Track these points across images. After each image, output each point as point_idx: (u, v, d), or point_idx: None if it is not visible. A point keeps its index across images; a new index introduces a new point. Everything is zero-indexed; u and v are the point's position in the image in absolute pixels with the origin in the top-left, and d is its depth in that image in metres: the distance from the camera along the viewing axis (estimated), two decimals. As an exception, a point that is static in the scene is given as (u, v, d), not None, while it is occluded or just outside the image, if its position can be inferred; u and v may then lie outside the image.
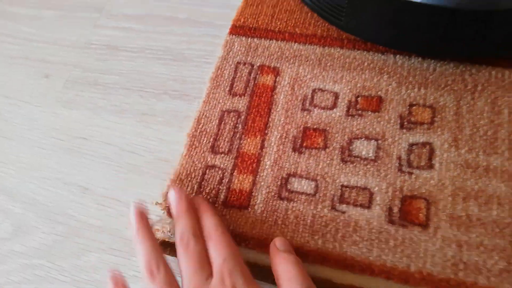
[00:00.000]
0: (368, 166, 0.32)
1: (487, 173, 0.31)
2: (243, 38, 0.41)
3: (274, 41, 0.40)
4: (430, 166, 0.32)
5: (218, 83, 0.38)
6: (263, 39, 0.40)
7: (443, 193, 0.30)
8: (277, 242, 0.28)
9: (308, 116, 0.35)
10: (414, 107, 0.34)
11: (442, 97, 0.34)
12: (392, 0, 0.31)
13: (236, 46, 0.40)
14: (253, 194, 0.32)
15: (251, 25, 0.41)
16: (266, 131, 0.35)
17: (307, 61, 0.38)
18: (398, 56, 0.37)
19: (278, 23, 0.41)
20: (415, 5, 0.31)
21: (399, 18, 0.33)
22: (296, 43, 0.39)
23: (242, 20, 0.42)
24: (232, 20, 0.42)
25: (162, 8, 0.45)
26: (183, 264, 0.27)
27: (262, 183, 0.33)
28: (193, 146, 0.35)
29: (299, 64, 0.38)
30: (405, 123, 0.34)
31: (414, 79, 0.36)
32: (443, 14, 0.31)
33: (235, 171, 0.34)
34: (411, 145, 0.33)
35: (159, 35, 0.43)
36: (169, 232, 0.31)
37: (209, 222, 0.29)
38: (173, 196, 0.30)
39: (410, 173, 0.31)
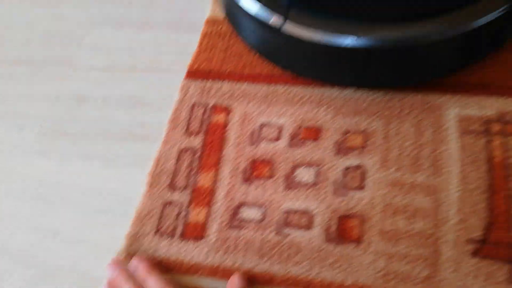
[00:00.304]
0: (309, 191, 0.36)
1: (413, 189, 0.34)
2: (198, 81, 0.45)
3: (226, 82, 0.44)
4: (363, 187, 0.35)
5: (175, 125, 0.42)
6: (215, 80, 0.44)
7: (374, 210, 0.34)
8: (235, 281, 0.31)
9: (256, 149, 0.39)
10: (348, 134, 0.38)
11: (373, 123, 0.38)
12: (317, 44, 0.35)
13: (191, 89, 0.44)
14: (207, 225, 0.36)
15: (204, 69, 0.45)
16: (219, 166, 0.39)
17: (254, 98, 0.42)
18: (334, 88, 0.41)
19: (229, 65, 0.45)
20: (338, 48, 0.35)
21: (327, 57, 0.37)
22: (245, 83, 0.44)
23: (196, 65, 0.46)
24: (188, 66, 0.46)
25: (124, 58, 0.49)
26: None
27: (216, 214, 0.36)
28: (153, 185, 0.39)
29: (248, 102, 0.42)
30: (341, 149, 0.37)
31: (348, 108, 0.40)
32: (362, 53, 0.35)
33: (191, 205, 0.37)
34: (346, 168, 0.36)
35: (121, 83, 0.47)
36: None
37: (155, 284, 0.31)
38: (110, 273, 0.33)
39: (346, 194, 0.35)
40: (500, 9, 0.33)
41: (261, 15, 0.37)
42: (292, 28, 0.36)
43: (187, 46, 0.48)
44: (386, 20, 0.33)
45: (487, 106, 0.37)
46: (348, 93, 0.40)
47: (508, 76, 0.38)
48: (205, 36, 0.48)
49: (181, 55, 0.48)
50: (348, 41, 0.34)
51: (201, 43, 0.48)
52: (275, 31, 0.36)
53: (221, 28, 0.48)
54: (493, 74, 0.38)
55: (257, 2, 0.36)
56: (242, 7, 0.38)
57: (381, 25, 0.34)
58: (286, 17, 0.35)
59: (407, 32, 0.34)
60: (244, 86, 0.43)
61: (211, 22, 0.49)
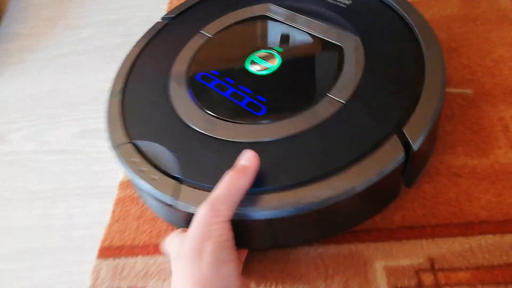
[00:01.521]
0: None
1: None
2: (110, 260, 0.40)
3: (140, 257, 0.40)
4: None
5: (85, 320, 0.37)
6: (129, 257, 0.40)
7: None
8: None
9: None
10: (273, 309, 0.34)
11: (297, 291, 0.34)
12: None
13: (103, 271, 0.40)
14: None
15: (117, 244, 0.41)
16: None
17: (170, 276, 0.38)
18: (255, 252, 0.37)
19: (143, 235, 0.41)
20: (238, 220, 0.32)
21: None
22: (160, 256, 0.40)
23: (109, 239, 0.42)
24: (100, 241, 0.42)
25: (35, 238, 0.45)
26: None
27: None
28: None
29: (164, 279, 0.38)
30: (267, 331, 0.33)
31: (271, 274, 0.36)
32: (263, 222, 0.32)
33: None
34: None
35: (30, 273, 0.43)
36: None
37: None
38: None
39: None
40: (399, 158, 0.31)
41: (157, 194, 0.34)
42: (184, 206, 0.33)
43: (99, 216, 0.45)
44: (281, 189, 0.31)
45: (414, 253, 0.34)
46: (269, 255, 0.37)
47: (430, 213, 0.36)
48: (118, 202, 0.45)
49: (93, 229, 0.44)
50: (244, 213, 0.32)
51: (114, 212, 0.44)
52: (170, 206, 0.34)
53: (134, 192, 0.45)
54: (414, 213, 0.36)
55: (151, 185, 0.34)
56: (143, 188, 0.35)
57: (276, 195, 0.31)
58: (177, 196, 0.33)
59: (300, 197, 0.31)
60: (160, 260, 0.39)
61: (124, 185, 0.46)
